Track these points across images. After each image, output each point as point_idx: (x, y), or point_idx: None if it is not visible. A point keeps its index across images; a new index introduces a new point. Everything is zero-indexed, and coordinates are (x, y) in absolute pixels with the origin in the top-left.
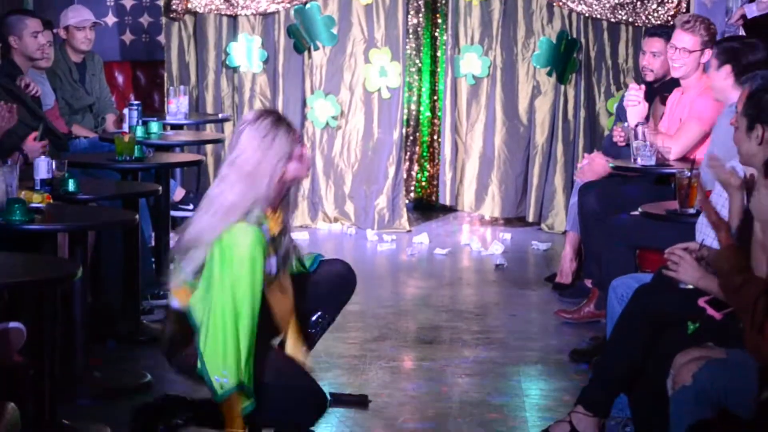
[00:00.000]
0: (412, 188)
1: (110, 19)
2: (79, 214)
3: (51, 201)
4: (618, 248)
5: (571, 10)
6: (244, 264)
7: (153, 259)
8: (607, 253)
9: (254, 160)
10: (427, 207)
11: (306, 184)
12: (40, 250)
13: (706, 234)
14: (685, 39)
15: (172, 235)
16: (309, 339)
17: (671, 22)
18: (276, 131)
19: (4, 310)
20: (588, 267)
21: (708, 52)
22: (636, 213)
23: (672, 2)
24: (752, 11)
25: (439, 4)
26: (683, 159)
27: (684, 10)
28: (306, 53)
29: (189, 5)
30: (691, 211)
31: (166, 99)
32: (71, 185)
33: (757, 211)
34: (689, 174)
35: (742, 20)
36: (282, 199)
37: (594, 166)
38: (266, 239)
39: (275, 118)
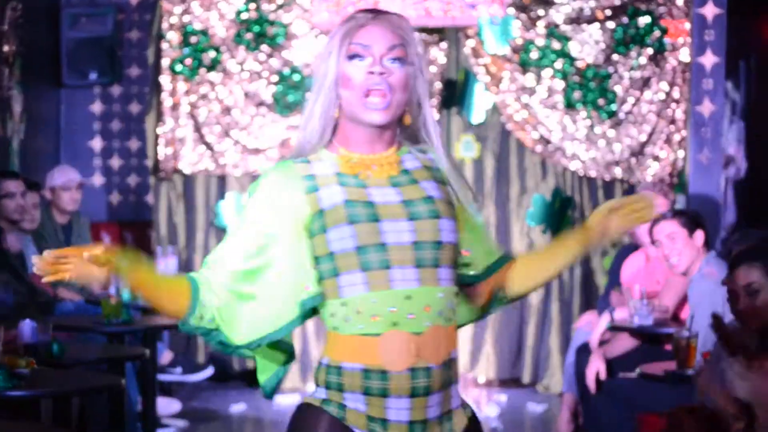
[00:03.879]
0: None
1: (97, 179)
2: (63, 379)
3: (35, 366)
4: (617, 411)
5: (565, 168)
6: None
7: (140, 425)
8: (606, 416)
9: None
10: None
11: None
12: (24, 417)
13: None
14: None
15: (159, 399)
16: None
17: (667, 180)
18: (331, 38)
19: None
20: (586, 430)
21: (699, 234)
22: (633, 375)
23: (667, 159)
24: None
25: None
26: (676, 319)
27: (679, 168)
28: None
29: (178, 165)
30: (691, 372)
31: (154, 260)
32: (56, 349)
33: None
34: (687, 334)
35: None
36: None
37: (623, 341)
38: (312, 172)
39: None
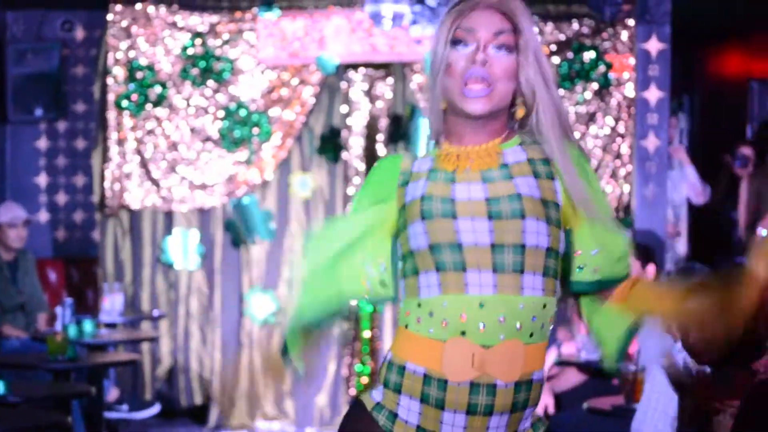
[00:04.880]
0: (353, 384)
1: (43, 216)
2: (8, 417)
3: None
4: None
5: None
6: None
7: None
8: None
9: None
10: None
11: (244, 381)
12: None
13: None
14: None
15: None
16: None
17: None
18: (441, 22)
19: None
20: None
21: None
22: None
23: (613, 193)
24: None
25: None
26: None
27: (625, 202)
28: (244, 248)
29: (124, 201)
30: (637, 405)
31: (100, 297)
32: (1, 387)
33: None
34: (634, 368)
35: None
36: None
37: (570, 376)
38: (411, 167)
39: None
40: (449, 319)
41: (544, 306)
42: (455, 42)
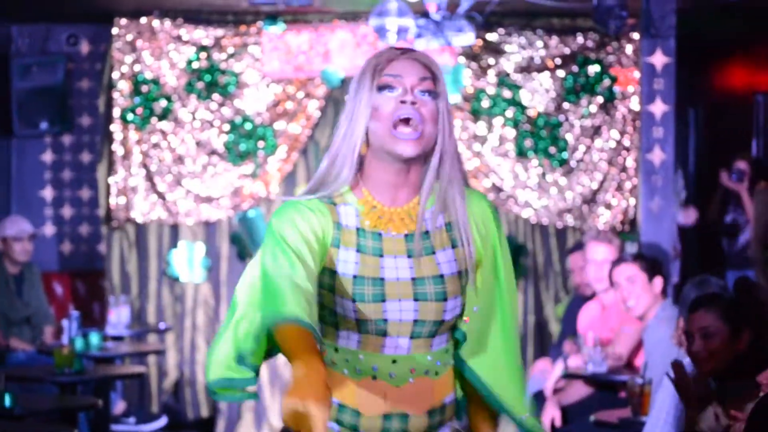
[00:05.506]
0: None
1: (49, 229)
2: (15, 430)
3: None
4: None
5: (517, 216)
6: (269, 228)
7: None
8: None
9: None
10: None
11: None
12: None
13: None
14: (600, 250)
15: None
16: None
17: (618, 228)
18: (361, 73)
19: None
20: None
21: (658, 280)
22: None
23: (619, 207)
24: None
25: None
26: (630, 366)
27: (631, 216)
28: (249, 261)
29: (130, 215)
30: (644, 419)
31: (106, 310)
32: (7, 400)
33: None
34: (641, 381)
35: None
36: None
37: (577, 389)
38: (340, 221)
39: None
40: (362, 368)
41: (447, 350)
42: (382, 88)
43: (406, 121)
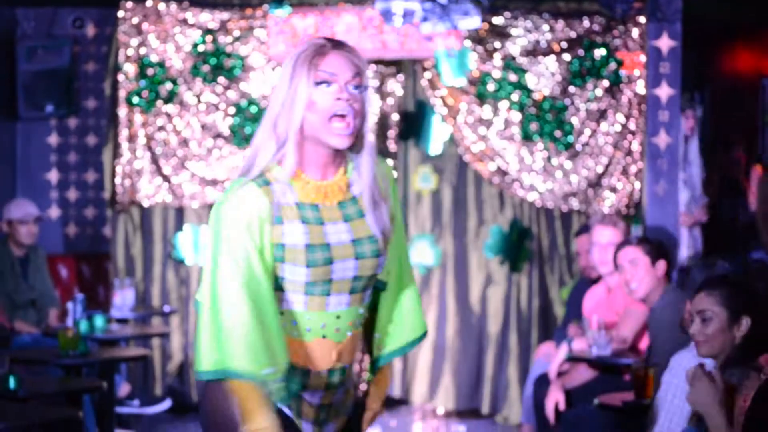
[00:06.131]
0: (363, 379)
1: (54, 212)
2: (20, 412)
3: None
4: None
5: (522, 199)
6: (217, 223)
7: None
8: None
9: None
10: None
11: None
12: None
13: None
14: (606, 233)
15: None
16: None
17: (624, 211)
18: (295, 62)
19: None
20: None
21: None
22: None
23: (624, 190)
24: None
25: None
26: (635, 349)
27: (636, 199)
28: None
29: (135, 197)
30: (648, 401)
31: (111, 292)
32: (12, 382)
33: (696, 403)
34: (645, 364)
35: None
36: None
37: (581, 372)
38: (277, 200)
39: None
40: (312, 327)
41: (370, 304)
42: (319, 83)
43: (341, 116)
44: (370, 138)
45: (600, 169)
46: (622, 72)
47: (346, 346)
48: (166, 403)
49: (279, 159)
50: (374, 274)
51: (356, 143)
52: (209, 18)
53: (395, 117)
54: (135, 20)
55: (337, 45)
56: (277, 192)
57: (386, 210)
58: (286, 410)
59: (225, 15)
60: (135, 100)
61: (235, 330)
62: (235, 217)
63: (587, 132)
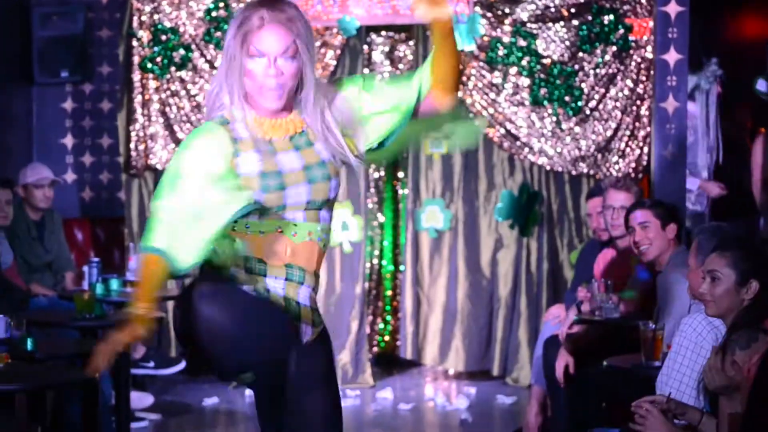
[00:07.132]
0: (376, 343)
1: (69, 176)
2: (37, 374)
3: (9, 361)
4: (585, 402)
5: (532, 163)
6: (182, 147)
7: (114, 419)
8: (574, 408)
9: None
10: (390, 361)
11: None
12: None
13: (671, 387)
14: (620, 197)
15: (132, 393)
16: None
17: (632, 175)
18: (233, 28)
19: None
20: (554, 421)
21: (672, 227)
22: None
23: (632, 155)
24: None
25: (400, 158)
26: (643, 311)
27: (645, 163)
28: None
29: (149, 162)
30: (657, 363)
31: (126, 256)
32: (29, 344)
33: (709, 380)
34: (653, 327)
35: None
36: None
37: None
38: (235, 136)
39: None
40: (267, 229)
41: (329, 230)
42: (252, 56)
43: (270, 87)
44: (311, 81)
45: (609, 134)
46: (631, 37)
47: (304, 248)
48: (181, 365)
49: (236, 107)
50: (327, 198)
51: (299, 87)
52: None
53: None
54: None
55: (273, 14)
56: (236, 129)
57: (338, 136)
58: (277, 291)
59: None
60: (149, 65)
61: (161, 213)
62: (197, 144)
63: (596, 97)
